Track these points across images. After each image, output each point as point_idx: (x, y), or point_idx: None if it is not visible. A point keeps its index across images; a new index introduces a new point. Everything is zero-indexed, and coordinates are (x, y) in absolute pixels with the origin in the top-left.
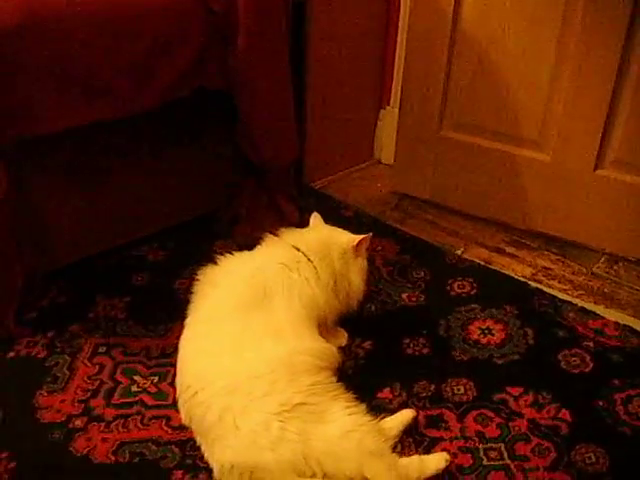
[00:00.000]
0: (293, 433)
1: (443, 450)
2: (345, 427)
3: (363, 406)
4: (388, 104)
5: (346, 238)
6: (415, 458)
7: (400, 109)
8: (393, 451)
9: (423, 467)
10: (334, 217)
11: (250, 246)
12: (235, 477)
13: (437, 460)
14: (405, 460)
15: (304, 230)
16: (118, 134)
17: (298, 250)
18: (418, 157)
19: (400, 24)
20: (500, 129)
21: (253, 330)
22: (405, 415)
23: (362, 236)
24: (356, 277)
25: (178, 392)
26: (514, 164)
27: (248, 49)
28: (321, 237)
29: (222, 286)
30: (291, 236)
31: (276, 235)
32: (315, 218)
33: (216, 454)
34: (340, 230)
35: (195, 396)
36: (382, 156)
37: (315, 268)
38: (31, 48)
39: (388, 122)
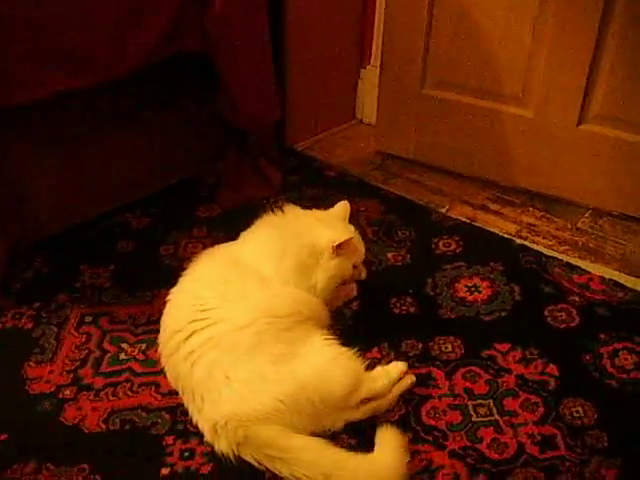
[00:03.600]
0: (287, 372)
1: (433, 408)
2: (329, 355)
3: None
4: (369, 63)
5: (326, 236)
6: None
7: (381, 68)
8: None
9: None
10: (318, 178)
11: (233, 211)
12: (229, 434)
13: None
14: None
15: (305, 213)
16: (98, 101)
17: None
18: (400, 116)
19: None
20: (482, 86)
21: (238, 277)
22: (404, 380)
23: (343, 238)
24: (322, 279)
25: (161, 347)
26: (497, 121)
27: (225, 9)
28: (304, 228)
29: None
30: (289, 220)
31: (279, 214)
32: (341, 206)
33: (207, 412)
34: (335, 223)
35: (179, 349)
36: (364, 116)
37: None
38: (5, 17)
39: (369, 81)
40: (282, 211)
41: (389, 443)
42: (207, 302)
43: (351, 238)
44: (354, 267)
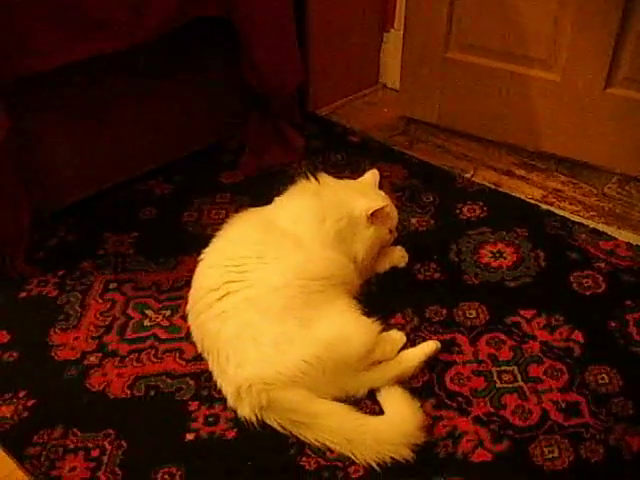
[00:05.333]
0: (311, 334)
1: (457, 374)
2: (350, 317)
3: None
4: (392, 27)
5: (361, 205)
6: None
7: (405, 31)
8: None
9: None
10: (341, 144)
11: (256, 177)
12: (253, 398)
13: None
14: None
15: (338, 182)
16: (120, 67)
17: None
18: (424, 80)
19: None
20: (508, 49)
21: (275, 240)
22: (428, 346)
23: (377, 206)
24: (361, 249)
25: (191, 304)
26: (523, 85)
27: None
28: (341, 197)
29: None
30: (327, 188)
31: (314, 181)
32: (371, 175)
33: (231, 374)
34: (369, 192)
35: (212, 308)
36: (387, 80)
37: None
38: None
39: (393, 45)
40: (317, 179)
41: (398, 400)
42: (244, 263)
43: (385, 206)
44: (390, 232)
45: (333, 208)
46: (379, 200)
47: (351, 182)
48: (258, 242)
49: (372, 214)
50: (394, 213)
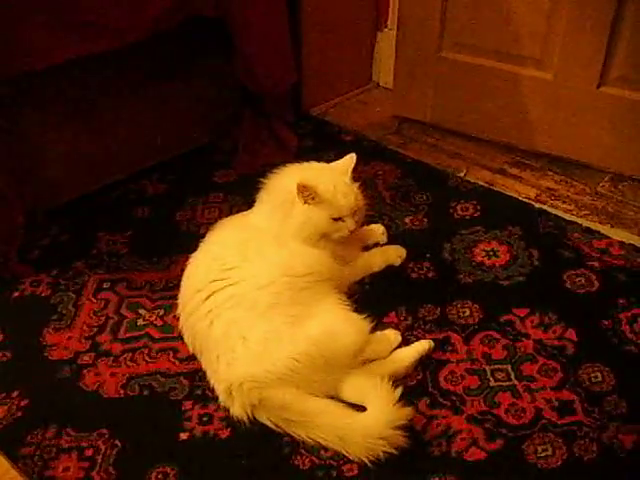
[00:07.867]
0: (301, 332)
1: (450, 372)
2: (341, 315)
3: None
4: (386, 26)
5: (294, 183)
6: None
7: (398, 30)
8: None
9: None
10: (334, 143)
11: (250, 176)
12: (244, 396)
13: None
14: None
15: (299, 166)
16: (114, 67)
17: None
18: (418, 79)
19: None
20: (501, 48)
21: (255, 238)
22: (422, 345)
23: (303, 181)
24: (291, 223)
25: (181, 307)
26: (516, 84)
27: None
28: (287, 178)
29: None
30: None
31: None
32: (344, 159)
33: (222, 373)
34: (317, 171)
35: (199, 309)
36: (381, 79)
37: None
38: None
39: (386, 44)
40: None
41: (379, 395)
42: (228, 262)
43: (305, 184)
44: (336, 220)
45: (282, 191)
46: (318, 179)
47: (314, 164)
48: (241, 241)
49: (299, 191)
50: (343, 199)
